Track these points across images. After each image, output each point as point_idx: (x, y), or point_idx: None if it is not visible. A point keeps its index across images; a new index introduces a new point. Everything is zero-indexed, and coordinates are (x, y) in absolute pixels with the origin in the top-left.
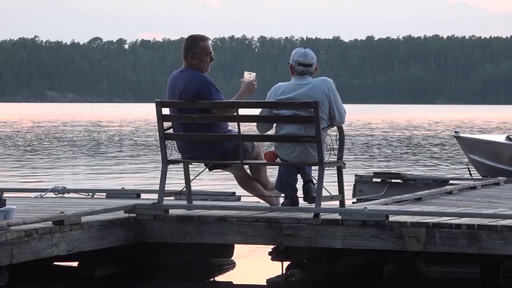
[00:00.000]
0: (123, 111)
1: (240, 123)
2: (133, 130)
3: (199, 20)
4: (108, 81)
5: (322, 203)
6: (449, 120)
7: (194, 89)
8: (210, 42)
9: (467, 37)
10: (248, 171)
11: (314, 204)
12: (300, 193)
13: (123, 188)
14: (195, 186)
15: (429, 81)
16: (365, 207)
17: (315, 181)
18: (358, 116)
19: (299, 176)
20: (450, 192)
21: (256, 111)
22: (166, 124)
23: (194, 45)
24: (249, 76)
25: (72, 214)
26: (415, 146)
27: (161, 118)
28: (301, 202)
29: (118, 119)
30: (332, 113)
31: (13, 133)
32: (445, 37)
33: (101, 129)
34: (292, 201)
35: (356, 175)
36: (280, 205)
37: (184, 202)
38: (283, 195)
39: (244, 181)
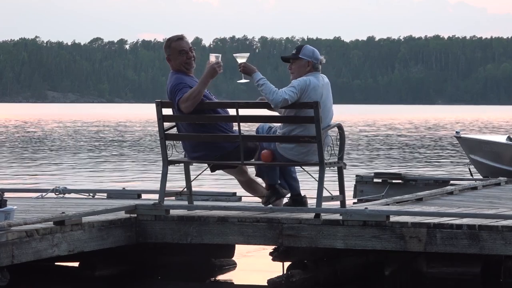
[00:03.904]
0: (131, 111)
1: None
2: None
3: (200, 20)
4: (109, 82)
5: (323, 203)
6: (475, 120)
7: (170, 95)
8: (185, 40)
9: (468, 37)
10: (250, 174)
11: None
12: (312, 195)
13: (124, 188)
14: (196, 186)
15: (430, 82)
16: (366, 208)
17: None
18: (359, 116)
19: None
20: (451, 193)
21: (256, 112)
22: (169, 125)
23: (167, 47)
24: (214, 58)
25: (73, 215)
26: (416, 146)
27: (161, 118)
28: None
29: (138, 120)
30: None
31: (19, 134)
32: (446, 37)
33: (126, 129)
34: (276, 190)
35: (357, 176)
36: (267, 199)
37: (185, 203)
38: (288, 195)
39: (247, 185)
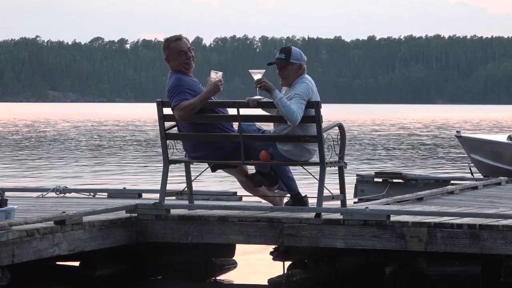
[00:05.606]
0: (134, 110)
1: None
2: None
3: (200, 20)
4: (110, 81)
5: (324, 203)
6: (481, 120)
7: (167, 95)
8: (184, 40)
9: (468, 37)
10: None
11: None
12: (313, 195)
13: (124, 188)
14: (197, 186)
15: (430, 81)
16: (367, 207)
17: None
18: (360, 116)
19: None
20: (451, 192)
21: (257, 111)
22: (170, 124)
23: (166, 48)
24: (215, 75)
25: (73, 214)
26: (417, 146)
27: (162, 118)
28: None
29: (145, 120)
30: None
31: (20, 134)
32: (446, 37)
33: (138, 129)
34: (269, 177)
35: (357, 175)
36: (257, 181)
37: (186, 202)
38: (288, 195)
39: (247, 184)
